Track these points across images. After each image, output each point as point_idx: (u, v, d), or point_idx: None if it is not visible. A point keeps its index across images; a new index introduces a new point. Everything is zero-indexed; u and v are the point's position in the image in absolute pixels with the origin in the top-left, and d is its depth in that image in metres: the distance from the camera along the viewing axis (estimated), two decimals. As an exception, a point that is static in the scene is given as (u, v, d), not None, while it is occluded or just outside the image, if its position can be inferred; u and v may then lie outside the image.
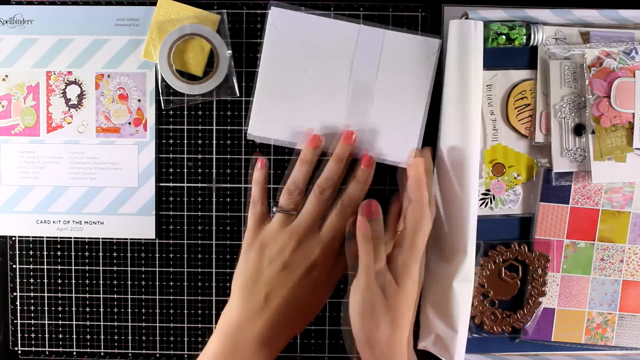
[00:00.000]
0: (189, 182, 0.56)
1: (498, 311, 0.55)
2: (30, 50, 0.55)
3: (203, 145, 0.56)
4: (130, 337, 0.57)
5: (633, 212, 0.55)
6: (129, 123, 0.55)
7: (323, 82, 0.53)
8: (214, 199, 0.56)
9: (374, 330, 0.45)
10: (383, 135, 0.53)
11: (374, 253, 0.47)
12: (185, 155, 0.56)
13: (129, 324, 0.57)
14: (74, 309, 0.56)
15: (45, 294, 0.56)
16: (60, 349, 0.57)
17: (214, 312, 0.56)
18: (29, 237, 0.56)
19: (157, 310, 0.56)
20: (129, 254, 0.56)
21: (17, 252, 0.56)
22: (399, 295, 0.46)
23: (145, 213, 0.55)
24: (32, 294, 0.56)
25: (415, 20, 0.54)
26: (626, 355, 0.57)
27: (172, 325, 0.56)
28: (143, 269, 0.56)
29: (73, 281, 0.56)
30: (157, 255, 0.56)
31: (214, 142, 0.56)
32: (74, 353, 0.57)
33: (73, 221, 0.56)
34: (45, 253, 0.56)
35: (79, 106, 0.55)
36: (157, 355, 0.57)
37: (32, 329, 0.57)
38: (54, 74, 0.55)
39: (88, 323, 0.57)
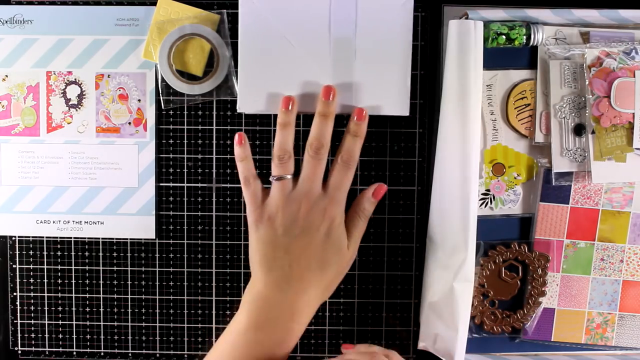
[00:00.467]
0: (189, 182, 0.56)
1: (498, 311, 0.55)
2: (30, 50, 0.55)
3: (203, 145, 0.56)
4: (130, 337, 0.57)
5: (633, 212, 0.55)
6: (129, 123, 0.55)
7: (304, 46, 0.53)
8: (214, 199, 0.56)
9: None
10: (372, 89, 0.53)
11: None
12: (185, 155, 0.56)
13: (129, 324, 0.57)
14: (74, 309, 0.56)
15: (45, 294, 0.56)
16: (60, 349, 0.57)
17: (214, 312, 0.56)
18: (29, 237, 0.56)
19: (157, 310, 0.56)
20: (129, 254, 0.56)
21: (17, 252, 0.56)
22: None
23: (145, 213, 0.55)
24: (32, 294, 0.56)
25: (415, 20, 0.54)
26: (626, 355, 0.57)
27: (172, 325, 0.56)
28: (143, 269, 0.56)
29: (73, 281, 0.56)
30: (157, 255, 0.56)
31: (214, 142, 0.56)
32: (74, 353, 0.57)
33: (73, 221, 0.56)
34: (45, 253, 0.56)
35: (79, 106, 0.55)
36: (157, 355, 0.57)
37: (32, 329, 0.57)
38: (54, 74, 0.55)
39: (88, 323, 0.57)
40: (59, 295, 0.56)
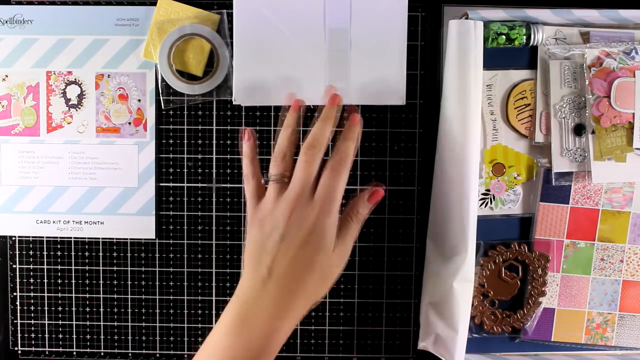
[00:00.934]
0: (189, 182, 0.56)
1: (498, 311, 0.55)
2: (30, 50, 0.55)
3: (203, 145, 0.56)
4: (130, 337, 0.57)
5: (633, 212, 0.55)
6: (129, 123, 0.55)
7: (299, 37, 0.53)
8: (214, 199, 0.56)
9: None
10: (368, 79, 0.53)
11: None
12: (185, 155, 0.56)
13: (129, 324, 0.57)
14: (74, 309, 0.56)
15: (45, 294, 0.56)
16: (60, 349, 0.57)
17: (214, 312, 0.56)
18: (29, 237, 0.56)
19: (157, 310, 0.56)
20: (129, 254, 0.56)
21: (17, 252, 0.56)
22: None
23: (145, 213, 0.55)
24: (32, 294, 0.56)
25: (415, 20, 0.54)
26: (626, 355, 0.57)
27: (172, 325, 0.56)
28: (143, 269, 0.56)
29: (73, 281, 0.56)
30: (157, 255, 0.56)
31: (214, 142, 0.56)
32: (74, 353, 0.57)
33: (73, 221, 0.56)
34: (45, 253, 0.56)
35: (79, 106, 0.55)
36: (157, 355, 0.57)
37: (32, 329, 0.57)
38: (54, 74, 0.55)
39: (88, 323, 0.57)
40: (59, 295, 0.56)
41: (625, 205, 0.55)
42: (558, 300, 0.55)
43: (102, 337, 0.57)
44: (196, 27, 0.53)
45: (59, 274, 0.56)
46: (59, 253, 0.56)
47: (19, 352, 0.57)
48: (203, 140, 0.56)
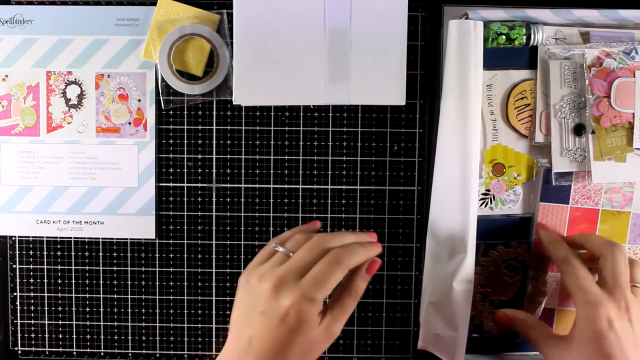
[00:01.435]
0: (189, 182, 0.56)
1: (497, 311, 0.55)
2: (30, 50, 0.55)
3: (203, 145, 0.56)
4: (130, 337, 0.57)
5: (633, 212, 0.55)
6: (129, 123, 0.55)
7: (299, 37, 0.53)
8: (214, 199, 0.56)
9: None
10: (368, 79, 0.53)
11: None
12: (185, 155, 0.56)
13: (129, 324, 0.57)
14: (74, 309, 0.56)
15: (45, 294, 0.56)
16: (60, 349, 0.57)
17: (214, 312, 0.56)
18: (29, 237, 0.56)
19: (157, 310, 0.56)
20: (129, 254, 0.56)
21: (17, 252, 0.56)
22: None
23: (145, 213, 0.55)
24: (32, 294, 0.56)
25: (415, 20, 0.54)
26: (626, 355, 0.57)
27: (172, 325, 0.56)
28: (143, 269, 0.56)
29: (73, 281, 0.56)
30: (157, 255, 0.56)
31: (214, 142, 0.56)
32: (74, 353, 0.57)
33: (73, 221, 0.56)
34: (45, 253, 0.56)
35: (79, 106, 0.55)
36: (157, 355, 0.57)
37: (32, 329, 0.57)
38: (54, 74, 0.55)
39: (88, 323, 0.57)
40: (59, 295, 0.56)
41: (625, 205, 0.55)
42: (558, 300, 0.55)
43: (102, 337, 0.57)
44: (196, 27, 0.53)
45: (59, 274, 0.56)
46: (59, 253, 0.56)
47: (19, 352, 0.57)
48: (203, 140, 0.56)
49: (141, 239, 0.56)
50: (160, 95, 0.55)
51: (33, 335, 0.57)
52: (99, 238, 0.56)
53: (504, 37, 0.52)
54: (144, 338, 0.57)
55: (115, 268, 0.56)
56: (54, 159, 0.55)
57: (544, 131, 0.54)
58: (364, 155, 0.55)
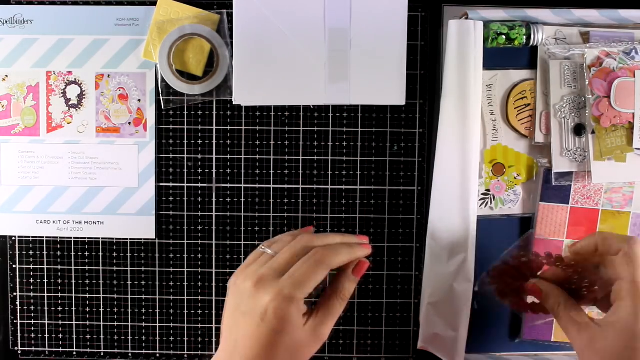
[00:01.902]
0: (189, 182, 0.56)
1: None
2: (30, 50, 0.55)
3: (203, 145, 0.56)
4: (130, 337, 0.57)
5: (633, 212, 0.55)
6: (129, 123, 0.55)
7: (299, 37, 0.53)
8: (214, 199, 0.56)
9: None
10: (368, 79, 0.53)
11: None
12: (185, 155, 0.56)
13: (129, 324, 0.57)
14: (74, 309, 0.56)
15: (45, 294, 0.56)
16: (60, 349, 0.57)
17: (214, 312, 0.56)
18: (29, 237, 0.56)
19: (157, 310, 0.56)
20: (129, 254, 0.56)
21: (17, 252, 0.56)
22: None
23: (145, 213, 0.55)
24: (32, 294, 0.56)
25: (415, 20, 0.54)
26: (626, 355, 0.57)
27: (172, 325, 0.56)
28: (143, 269, 0.56)
29: (73, 281, 0.56)
30: (157, 255, 0.56)
31: (214, 142, 0.56)
32: (74, 353, 0.57)
33: (73, 221, 0.56)
34: (45, 253, 0.56)
35: (79, 106, 0.55)
36: (157, 355, 0.57)
37: (32, 329, 0.57)
38: (54, 74, 0.55)
39: (88, 323, 0.57)
40: (59, 295, 0.56)
41: (625, 205, 0.55)
42: (558, 300, 0.55)
43: (102, 337, 0.57)
44: (196, 27, 0.53)
45: (59, 274, 0.56)
46: (59, 253, 0.56)
47: (19, 352, 0.57)
48: (203, 140, 0.56)
49: (141, 239, 0.56)
50: (160, 95, 0.55)
51: (33, 335, 0.57)
52: (99, 238, 0.56)
53: (504, 37, 0.52)
54: (144, 338, 0.57)
55: (115, 268, 0.56)
56: (54, 159, 0.55)
57: (544, 131, 0.54)
58: (364, 155, 0.55)
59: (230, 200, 0.56)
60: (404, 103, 0.53)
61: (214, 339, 0.56)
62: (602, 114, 0.52)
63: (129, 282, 0.56)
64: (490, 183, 0.55)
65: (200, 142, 0.56)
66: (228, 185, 0.56)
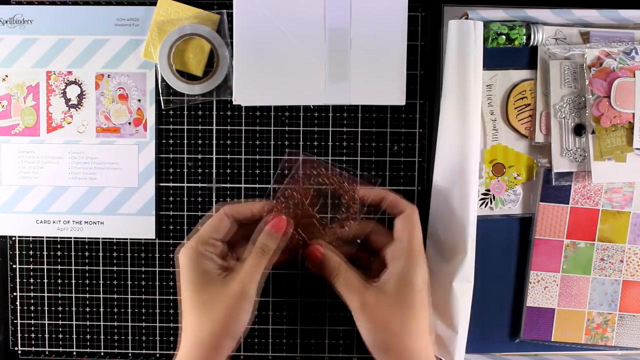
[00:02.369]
0: (189, 182, 0.56)
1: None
2: (30, 50, 0.55)
3: (203, 145, 0.56)
4: (130, 337, 0.57)
5: (633, 212, 0.55)
6: (129, 123, 0.55)
7: (299, 36, 0.53)
8: (214, 199, 0.56)
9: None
10: (368, 79, 0.53)
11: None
12: (185, 155, 0.56)
13: (129, 324, 0.57)
14: (74, 309, 0.56)
15: (45, 294, 0.56)
16: (60, 349, 0.57)
17: (214, 312, 0.56)
18: (29, 237, 0.56)
19: (157, 310, 0.56)
20: (129, 254, 0.56)
21: (17, 252, 0.56)
22: None
23: (145, 213, 0.55)
24: (32, 294, 0.56)
25: (415, 20, 0.54)
26: (626, 355, 0.57)
27: (172, 325, 0.56)
28: (143, 269, 0.56)
29: (73, 281, 0.56)
30: (157, 255, 0.56)
31: (214, 142, 0.56)
32: (74, 353, 0.57)
33: (73, 221, 0.56)
34: (45, 253, 0.56)
35: (79, 106, 0.55)
36: (157, 355, 0.57)
37: (32, 329, 0.57)
38: (54, 74, 0.55)
39: (88, 323, 0.57)
40: (59, 295, 0.56)
41: (625, 205, 0.55)
42: (558, 300, 0.55)
43: (102, 337, 0.57)
44: (196, 27, 0.53)
45: (59, 274, 0.56)
46: (59, 253, 0.56)
47: (19, 352, 0.57)
48: (203, 140, 0.56)
49: (141, 239, 0.56)
50: (160, 95, 0.55)
51: (33, 335, 0.57)
52: (99, 238, 0.56)
53: (504, 37, 0.52)
54: (144, 338, 0.57)
55: (115, 268, 0.56)
56: (54, 159, 0.55)
57: (544, 131, 0.54)
58: (364, 155, 0.55)
59: (230, 200, 0.56)
60: (404, 103, 0.53)
61: (214, 339, 0.56)
62: (602, 114, 0.52)
63: (129, 282, 0.56)
64: (490, 183, 0.55)
65: (200, 142, 0.56)
66: (228, 185, 0.56)
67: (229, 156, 0.56)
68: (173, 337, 0.57)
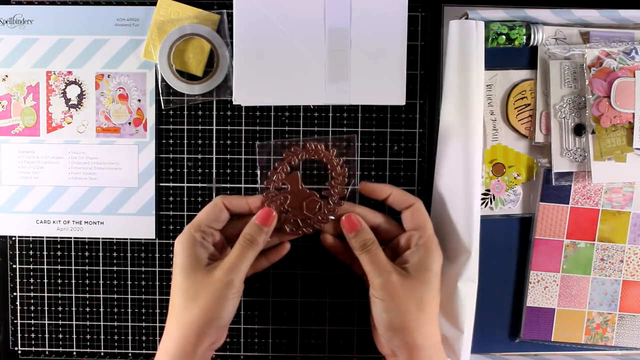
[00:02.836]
0: (189, 182, 0.56)
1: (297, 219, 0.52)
2: (30, 50, 0.55)
3: (203, 145, 0.56)
4: (130, 337, 0.57)
5: (633, 212, 0.55)
6: (129, 123, 0.55)
7: (299, 36, 0.53)
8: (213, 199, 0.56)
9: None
10: (368, 79, 0.53)
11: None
12: (185, 155, 0.56)
13: (129, 324, 0.56)
14: (74, 309, 0.56)
15: (45, 294, 0.56)
16: (60, 349, 0.57)
17: (214, 312, 0.56)
18: (29, 237, 0.56)
19: (157, 310, 0.56)
20: (129, 254, 0.56)
21: (17, 252, 0.56)
22: None
23: (145, 213, 0.55)
24: (32, 294, 0.56)
25: (415, 20, 0.54)
26: (626, 355, 0.57)
27: (172, 325, 0.56)
28: (143, 269, 0.56)
29: (73, 281, 0.56)
30: (157, 255, 0.56)
31: (214, 142, 0.56)
32: (74, 353, 0.57)
33: (73, 221, 0.56)
34: (45, 253, 0.56)
35: (79, 106, 0.55)
36: (157, 355, 0.57)
37: (32, 329, 0.57)
38: (54, 74, 0.55)
39: (88, 323, 0.57)
40: (59, 295, 0.56)
41: (625, 205, 0.55)
42: (558, 300, 0.55)
43: (102, 337, 0.57)
44: (196, 27, 0.53)
45: (59, 274, 0.56)
46: (59, 253, 0.56)
47: (19, 352, 0.57)
48: (203, 140, 0.56)
49: (141, 239, 0.56)
50: (160, 95, 0.55)
51: (33, 335, 0.57)
52: (99, 238, 0.56)
53: (504, 37, 0.52)
54: (144, 338, 0.57)
55: (115, 268, 0.56)
56: (54, 159, 0.55)
57: (544, 131, 0.54)
58: (364, 155, 0.55)
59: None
60: (404, 103, 0.53)
61: (214, 339, 0.56)
62: (602, 114, 0.52)
63: (129, 282, 0.56)
64: (490, 183, 0.55)
65: (200, 142, 0.56)
66: (228, 185, 0.56)
67: (229, 156, 0.56)
68: (173, 337, 0.57)
